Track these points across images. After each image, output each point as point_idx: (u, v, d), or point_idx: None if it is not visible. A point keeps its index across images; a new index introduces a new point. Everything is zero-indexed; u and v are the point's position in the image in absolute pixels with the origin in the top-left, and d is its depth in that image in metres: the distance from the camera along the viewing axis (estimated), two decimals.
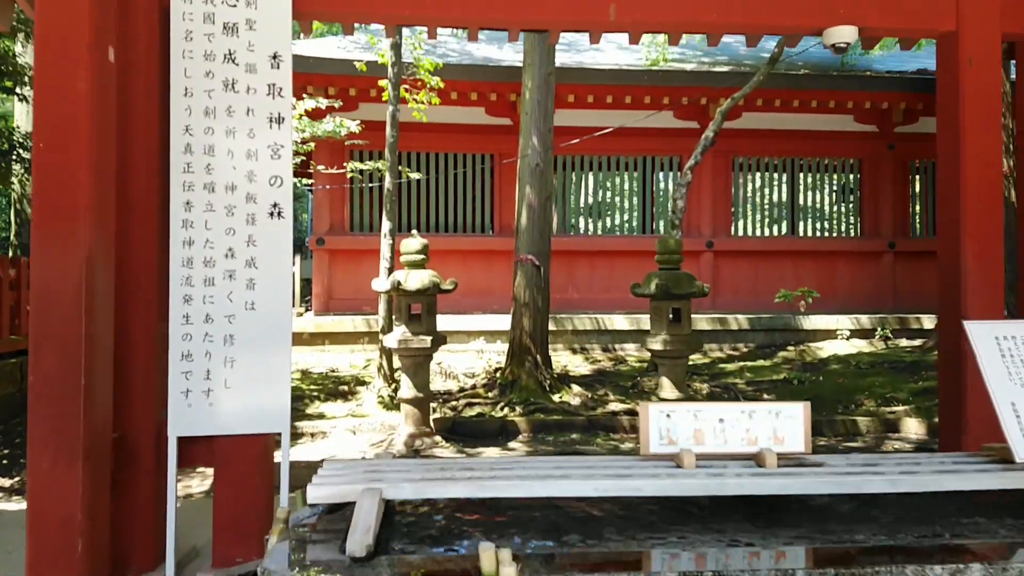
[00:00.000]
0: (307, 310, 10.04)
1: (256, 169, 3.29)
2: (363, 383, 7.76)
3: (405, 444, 6.07)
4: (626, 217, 11.51)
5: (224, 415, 3.26)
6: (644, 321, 8.56)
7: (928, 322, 9.76)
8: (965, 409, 3.57)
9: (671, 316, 6.32)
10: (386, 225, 7.05)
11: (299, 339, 8.94)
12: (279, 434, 3.35)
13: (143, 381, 3.30)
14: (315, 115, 6.97)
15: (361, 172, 8.80)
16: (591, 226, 11.53)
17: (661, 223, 11.30)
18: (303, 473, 5.68)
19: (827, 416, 7.01)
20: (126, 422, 3.25)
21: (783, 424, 2.01)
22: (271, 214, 3.31)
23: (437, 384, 7.97)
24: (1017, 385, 2.05)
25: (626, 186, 11.47)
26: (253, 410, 3.29)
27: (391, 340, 6.08)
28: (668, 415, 2.01)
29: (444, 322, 9.23)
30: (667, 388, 6.32)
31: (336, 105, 7.82)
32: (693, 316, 9.91)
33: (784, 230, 11.56)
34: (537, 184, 7.50)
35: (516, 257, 7.58)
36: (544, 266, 7.58)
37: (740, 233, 11.31)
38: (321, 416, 6.87)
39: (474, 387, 7.62)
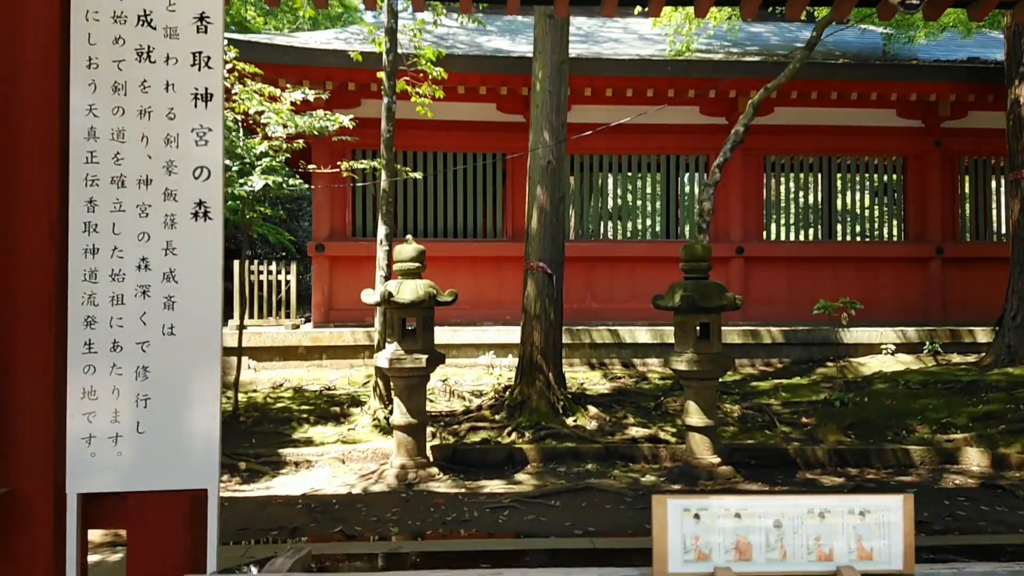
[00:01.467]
0: (307, 321, 9.43)
1: (177, 158, 2.63)
2: (360, 403, 7.12)
3: (397, 477, 5.40)
4: (648, 221, 10.76)
5: (136, 467, 2.60)
6: (668, 333, 7.81)
7: (983, 335, 8.87)
8: None
9: (698, 332, 5.59)
10: (382, 230, 6.41)
11: (294, 354, 8.34)
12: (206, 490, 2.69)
13: (36, 424, 2.65)
14: (305, 109, 6.37)
15: (362, 172, 8.18)
16: (611, 230, 10.80)
17: (687, 227, 10.54)
18: (278, 512, 5.06)
19: (875, 444, 6.21)
20: (14, 474, 2.61)
21: (872, 528, 1.31)
22: (195, 215, 2.64)
23: (440, 404, 7.31)
24: None
25: (648, 188, 10.72)
26: (173, 460, 2.63)
27: (382, 359, 5.42)
28: (696, 515, 1.31)
29: (451, 334, 8.62)
30: (694, 414, 5.59)
31: (324, 97, 7.21)
32: (723, 329, 9.21)
33: (820, 235, 10.72)
34: (549, 183, 6.81)
35: (526, 265, 6.90)
36: (557, 274, 6.88)
37: (773, 238, 10.50)
38: (309, 442, 6.23)
39: (480, 408, 6.94)
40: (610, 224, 10.79)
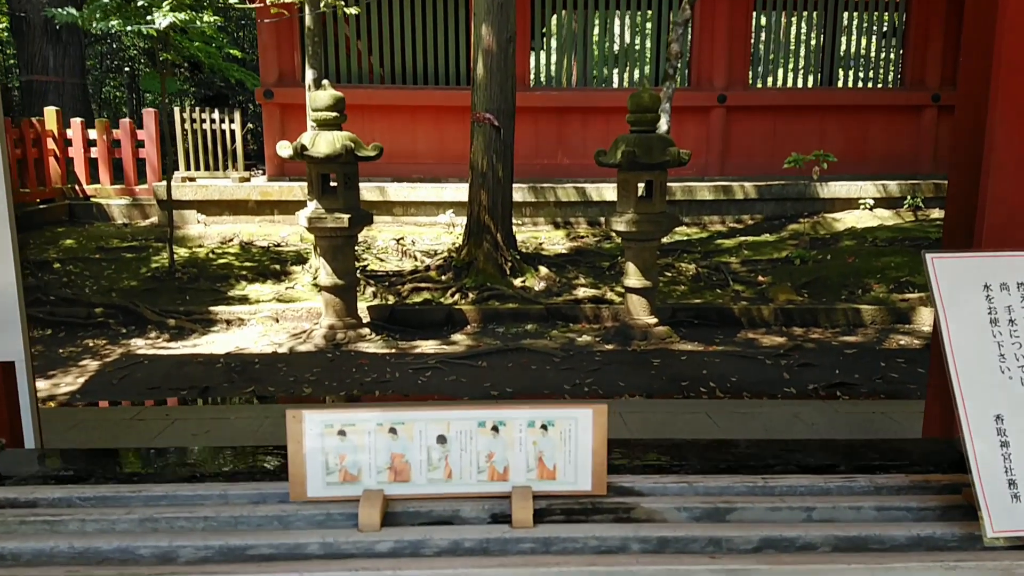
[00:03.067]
0: (263, 174, 9.09)
1: None
2: (304, 260, 6.94)
3: (325, 337, 5.30)
4: (630, 68, 10.03)
5: None
6: None
7: None
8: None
9: (643, 190, 5.25)
10: (309, 74, 5.92)
11: (244, 208, 8.08)
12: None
13: None
14: None
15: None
16: (582, 78, 10.07)
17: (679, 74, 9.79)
18: (197, 371, 5.01)
19: (826, 304, 6.02)
20: None
21: (556, 444, 1.09)
22: None
23: (391, 263, 7.13)
24: (1014, 381, 1.07)
25: (630, 30, 9.89)
26: None
27: (302, 217, 5.16)
28: (342, 431, 1.08)
29: (408, 191, 8.29)
30: (632, 275, 5.36)
31: None
32: (694, 185, 8.78)
33: (810, 82, 9.99)
34: (496, 21, 6.19)
35: (472, 115, 6.43)
36: (506, 126, 6.42)
37: (759, 85, 9.81)
38: (244, 300, 6.12)
39: (428, 268, 6.74)
40: (581, 70, 10.05)
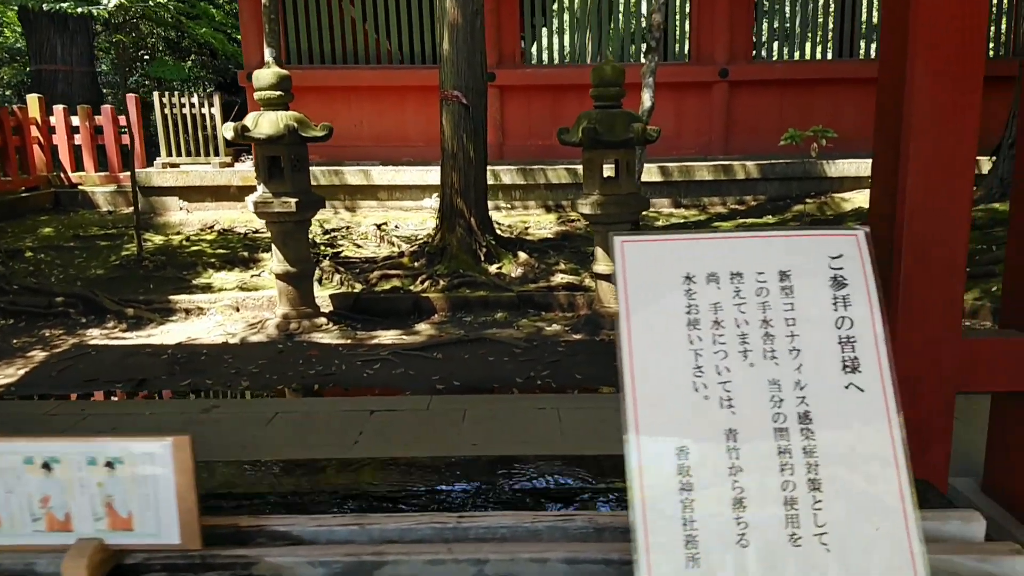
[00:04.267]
0: (252, 158, 8.91)
1: None
2: None
3: (278, 327, 5.11)
4: (627, 42, 9.60)
5: None
6: None
7: (987, 165, 7.87)
8: None
9: (610, 170, 4.92)
10: (267, 52, 5.69)
11: (226, 194, 7.92)
12: None
13: None
14: None
15: None
16: (579, 54, 9.63)
17: (677, 48, 9.35)
18: (141, 362, 4.85)
19: None
20: None
21: (128, 486, 0.83)
22: None
23: (368, 250, 6.91)
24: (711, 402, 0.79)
25: (623, 4, 9.45)
26: None
27: (249, 202, 4.95)
28: None
29: (393, 175, 8.03)
30: (601, 260, 5.06)
31: None
32: (692, 165, 8.35)
33: (821, 54, 9.44)
34: None
35: (440, 94, 6.14)
36: (476, 104, 6.12)
37: (765, 56, 9.30)
38: (208, 287, 5.95)
39: (401, 255, 6.50)
40: (571, 45, 9.64)
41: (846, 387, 0.83)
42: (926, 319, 1.87)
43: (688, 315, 0.85)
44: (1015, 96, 6.59)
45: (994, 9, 9.09)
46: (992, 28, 9.13)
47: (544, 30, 9.53)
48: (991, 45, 9.15)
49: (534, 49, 9.52)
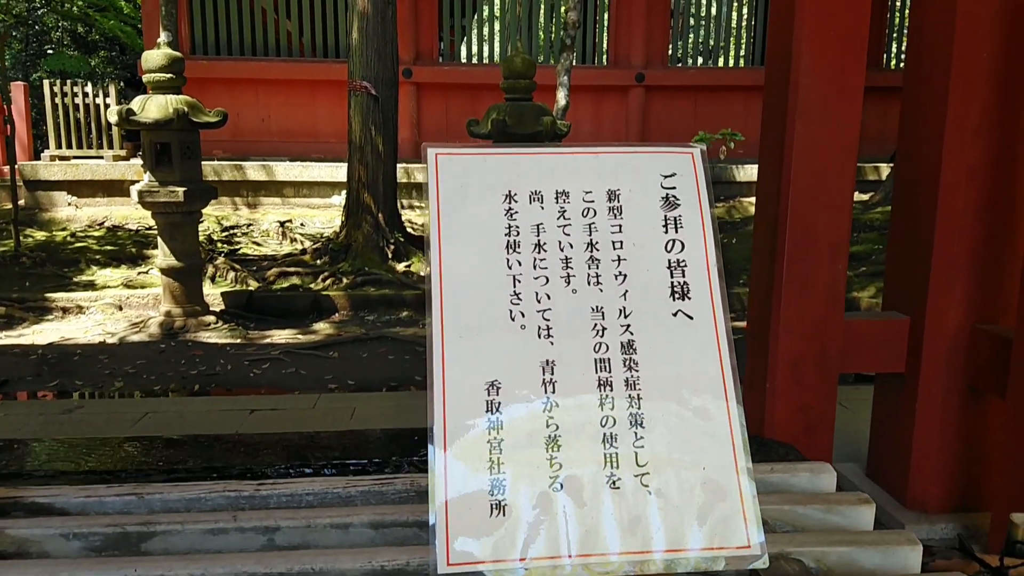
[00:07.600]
0: None
1: None
2: None
3: (161, 325, 4.76)
4: (541, 41, 9.58)
5: None
6: None
7: (886, 171, 8.18)
8: None
9: None
10: (163, 36, 5.34)
11: (120, 189, 7.43)
12: None
13: None
14: None
15: None
16: (493, 52, 9.49)
17: (596, 52, 9.36)
18: (7, 364, 4.43)
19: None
20: None
21: None
22: None
23: (269, 247, 6.59)
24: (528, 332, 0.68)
25: (543, 5, 9.43)
26: None
27: (133, 191, 4.60)
28: None
29: (300, 171, 7.72)
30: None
31: None
32: None
33: (734, 62, 9.64)
34: None
35: (349, 84, 5.92)
36: (386, 96, 5.92)
37: (680, 63, 9.43)
38: (91, 285, 5.53)
39: (303, 252, 6.22)
40: (488, 48, 9.56)
41: (674, 314, 0.72)
42: (809, 298, 1.83)
43: (508, 237, 0.73)
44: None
45: (897, 23, 9.49)
46: (894, 43, 9.53)
47: (463, 29, 9.40)
48: (893, 56, 9.56)
49: (453, 48, 9.38)
